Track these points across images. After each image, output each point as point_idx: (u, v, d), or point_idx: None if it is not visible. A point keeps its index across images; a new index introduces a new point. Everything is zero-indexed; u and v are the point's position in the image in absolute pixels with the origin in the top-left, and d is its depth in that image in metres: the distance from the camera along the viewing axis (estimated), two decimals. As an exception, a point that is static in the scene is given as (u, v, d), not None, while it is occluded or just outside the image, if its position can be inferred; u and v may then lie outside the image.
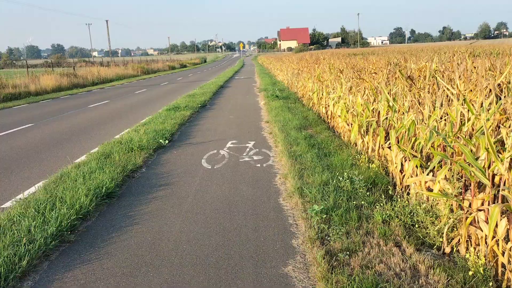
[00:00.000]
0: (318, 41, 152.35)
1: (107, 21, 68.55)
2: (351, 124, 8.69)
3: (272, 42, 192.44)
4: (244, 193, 5.95)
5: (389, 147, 6.56)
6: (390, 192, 5.43)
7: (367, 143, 7.72)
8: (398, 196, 5.27)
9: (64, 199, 5.33)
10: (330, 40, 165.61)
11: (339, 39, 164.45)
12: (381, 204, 5.00)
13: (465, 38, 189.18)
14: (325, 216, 4.73)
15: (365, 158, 6.97)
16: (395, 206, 4.91)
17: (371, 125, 7.50)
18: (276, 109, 13.31)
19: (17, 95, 23.37)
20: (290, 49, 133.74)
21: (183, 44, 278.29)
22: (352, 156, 7.26)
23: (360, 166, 6.71)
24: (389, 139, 7.03)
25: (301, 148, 7.98)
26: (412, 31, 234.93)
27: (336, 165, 6.79)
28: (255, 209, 5.31)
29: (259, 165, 7.46)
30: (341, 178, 5.86)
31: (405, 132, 6.18)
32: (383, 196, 5.18)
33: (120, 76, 39.66)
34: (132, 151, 8.16)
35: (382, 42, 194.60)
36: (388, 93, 6.85)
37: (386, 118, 6.98)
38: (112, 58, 68.61)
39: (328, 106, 11.43)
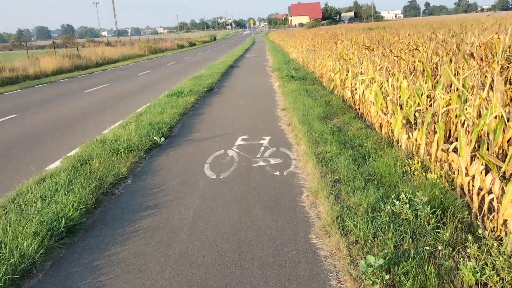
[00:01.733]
0: (330, 16, 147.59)
1: (112, -1, 66.12)
2: (391, 114, 6.90)
3: (283, 18, 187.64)
4: (260, 224, 4.24)
5: (455, 151, 4.81)
6: (477, 228, 3.69)
7: (416, 140, 5.96)
8: (488, 234, 3.55)
9: (3, 242, 3.72)
10: (342, 14, 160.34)
11: (351, 14, 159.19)
12: (467, 251, 3.29)
13: (482, 10, 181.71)
14: (387, 277, 3.04)
15: (418, 164, 5.21)
16: (492, 254, 3.20)
17: (423, 118, 5.72)
18: (293, 92, 11.49)
19: (14, 79, 21.84)
20: (301, 24, 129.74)
21: (192, 22, 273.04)
22: (400, 160, 5.50)
23: (414, 176, 4.97)
24: (454, 139, 5.29)
25: (330, 148, 6.24)
26: (427, 4, 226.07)
27: (382, 175, 5.04)
28: (277, 256, 3.62)
29: (278, 173, 5.74)
30: (396, 202, 4.12)
31: (487, 133, 4.43)
32: (469, 237, 3.44)
33: (126, 57, 37.82)
34: (117, 154, 6.50)
35: (396, 16, 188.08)
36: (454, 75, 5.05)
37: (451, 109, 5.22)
38: (119, 37, 66.37)
39: (356, 89, 9.59)
